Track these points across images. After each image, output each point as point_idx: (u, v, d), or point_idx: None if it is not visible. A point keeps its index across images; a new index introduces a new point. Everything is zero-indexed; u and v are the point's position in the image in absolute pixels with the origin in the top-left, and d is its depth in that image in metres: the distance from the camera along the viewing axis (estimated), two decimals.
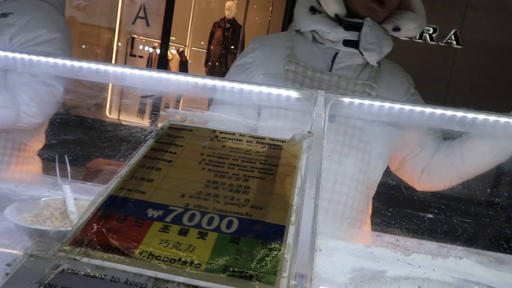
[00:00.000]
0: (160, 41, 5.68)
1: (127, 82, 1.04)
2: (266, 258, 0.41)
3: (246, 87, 0.90)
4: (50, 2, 1.48)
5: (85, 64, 0.96)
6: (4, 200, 1.01)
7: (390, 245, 1.06)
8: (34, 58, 1.02)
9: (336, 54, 1.19)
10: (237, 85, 0.87)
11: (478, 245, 1.09)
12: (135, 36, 6.31)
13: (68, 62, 0.98)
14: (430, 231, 1.10)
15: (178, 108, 0.72)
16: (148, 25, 6.23)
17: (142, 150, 0.58)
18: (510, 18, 4.44)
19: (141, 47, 6.40)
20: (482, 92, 4.56)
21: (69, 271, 0.37)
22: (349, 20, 1.13)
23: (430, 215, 1.10)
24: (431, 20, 4.62)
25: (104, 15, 6.56)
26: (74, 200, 0.94)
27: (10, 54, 0.97)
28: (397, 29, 1.16)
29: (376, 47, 1.13)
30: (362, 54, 1.14)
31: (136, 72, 0.94)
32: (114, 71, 0.96)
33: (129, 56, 6.30)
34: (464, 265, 1.03)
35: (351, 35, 1.14)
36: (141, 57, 6.28)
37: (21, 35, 1.35)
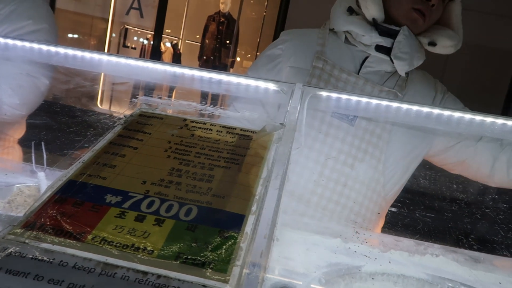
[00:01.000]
0: (153, 33, 5.65)
1: (120, 72, 1.03)
2: (221, 247, 0.41)
3: (224, 78, 0.89)
4: None
5: (70, 51, 0.95)
6: None
7: (368, 242, 1.06)
8: (18, 43, 1.00)
9: (366, 58, 1.17)
10: (215, 76, 0.86)
11: (455, 244, 1.09)
12: (129, 27, 6.27)
13: (53, 49, 0.97)
14: (409, 229, 1.10)
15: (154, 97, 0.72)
16: (142, 16, 6.18)
17: (109, 136, 0.57)
18: (501, 20, 4.46)
19: (134, 38, 6.35)
20: (474, 94, 4.58)
21: (16, 254, 0.37)
22: (386, 26, 1.12)
23: (409, 213, 1.10)
24: None
25: (97, 5, 6.50)
26: None
27: None
28: (432, 43, 1.15)
29: (408, 57, 1.11)
30: (393, 62, 1.13)
31: (121, 60, 0.93)
32: (101, 60, 0.95)
33: (122, 47, 6.26)
34: (440, 263, 1.03)
35: (384, 41, 1.12)
36: (134, 48, 6.24)
37: (6, 25, 1.33)
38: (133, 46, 6.24)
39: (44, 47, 0.86)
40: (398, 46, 1.10)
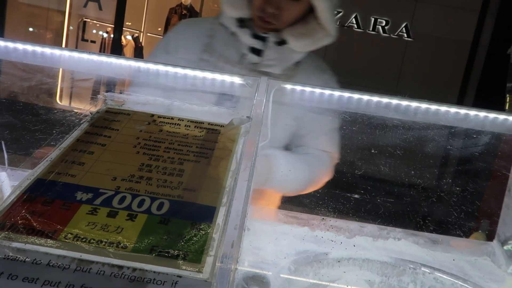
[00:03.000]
0: (113, 25, 5.50)
1: (72, 66, 1.01)
2: (194, 238, 0.42)
3: (192, 73, 0.89)
4: None
5: (29, 47, 0.92)
6: None
7: (334, 229, 1.10)
8: None
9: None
10: (181, 70, 0.86)
11: (415, 227, 1.15)
12: (87, 20, 6.07)
13: (10, 44, 0.94)
14: (372, 215, 1.15)
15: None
16: (100, 8, 6.00)
17: (76, 133, 0.57)
18: (458, 13, 4.65)
19: (94, 31, 6.16)
20: (431, 83, 4.76)
21: None
22: (255, 30, 1.17)
23: (371, 199, 1.15)
24: (384, 13, 4.75)
25: None
26: (12, 188, 0.91)
27: None
28: (283, 42, 1.19)
29: (276, 63, 1.18)
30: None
31: (79, 55, 0.91)
32: (56, 54, 0.93)
33: (81, 41, 6.07)
34: (402, 246, 1.09)
35: (257, 44, 1.18)
36: (94, 42, 6.06)
37: None
38: (93, 39, 6.06)
39: (1, 43, 0.83)
40: (266, 53, 1.18)
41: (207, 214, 0.46)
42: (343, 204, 1.10)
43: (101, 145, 0.55)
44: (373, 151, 0.96)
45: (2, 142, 1.03)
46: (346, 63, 4.82)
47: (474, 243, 1.14)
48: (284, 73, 1.22)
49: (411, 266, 0.98)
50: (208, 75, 0.86)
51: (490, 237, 1.13)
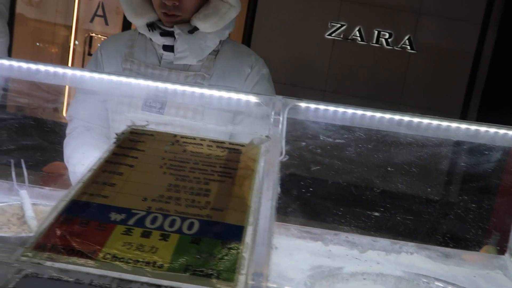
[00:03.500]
0: None
1: (84, 84, 1.04)
2: (225, 257, 0.44)
3: (207, 91, 0.91)
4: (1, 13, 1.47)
5: (41, 67, 0.95)
6: None
7: (347, 243, 1.11)
8: None
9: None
10: (191, 89, 0.88)
11: (428, 241, 1.16)
12: (93, 35, 6.14)
13: (24, 65, 0.97)
14: (384, 229, 1.16)
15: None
16: (106, 23, 6.08)
17: (104, 155, 0.59)
18: (460, 25, 4.69)
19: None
20: (434, 94, 4.78)
21: (33, 275, 0.38)
22: (161, 28, 1.23)
23: (383, 213, 1.16)
24: (387, 26, 4.80)
25: (59, 12, 6.34)
26: (32, 205, 0.93)
27: None
28: (195, 29, 1.23)
29: (188, 53, 1.22)
30: None
31: (93, 75, 0.94)
32: (69, 74, 0.96)
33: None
34: (415, 260, 1.09)
35: (167, 41, 1.23)
36: None
37: None
38: None
39: (25, 65, 0.86)
40: (176, 47, 1.22)
41: (236, 233, 0.47)
42: (355, 219, 1.11)
43: (129, 166, 0.57)
44: (385, 167, 0.98)
45: (22, 161, 1.05)
46: (350, 76, 4.85)
47: (486, 256, 1.15)
48: (202, 63, 1.25)
49: (425, 280, 0.99)
50: (223, 93, 0.88)
51: (501, 250, 1.14)
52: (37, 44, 6.40)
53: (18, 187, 1.00)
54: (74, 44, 6.04)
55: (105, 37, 6.15)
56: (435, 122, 0.88)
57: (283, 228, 1.09)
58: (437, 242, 1.16)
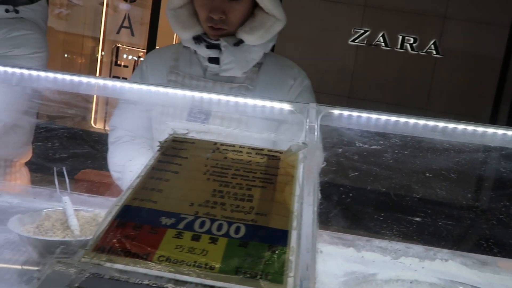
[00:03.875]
0: (145, 50, 5.70)
1: (110, 93, 1.07)
2: (273, 260, 0.45)
3: (238, 100, 0.93)
4: (36, 21, 1.52)
5: (67, 77, 0.99)
6: (1, 213, 1.03)
7: (379, 249, 1.11)
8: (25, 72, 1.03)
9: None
10: (225, 98, 0.91)
11: (463, 248, 1.14)
12: (120, 45, 6.31)
13: (59, 76, 1.01)
14: (418, 235, 1.15)
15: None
16: (133, 34, 6.24)
17: (150, 162, 0.61)
18: (486, 28, 4.61)
19: (125, 56, 6.39)
20: (462, 100, 4.70)
21: (95, 275, 0.41)
22: (207, 40, 1.26)
23: (417, 219, 1.15)
24: (411, 31, 4.76)
25: (87, 24, 6.54)
26: (74, 211, 0.96)
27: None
28: (240, 41, 1.25)
29: (234, 65, 1.24)
30: None
31: (117, 84, 0.98)
32: (97, 83, 0.99)
33: (114, 66, 6.30)
34: (450, 267, 1.08)
35: (213, 53, 1.26)
36: (126, 66, 6.28)
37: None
38: (125, 64, 6.28)
39: (68, 77, 0.90)
40: (222, 59, 1.24)
41: (281, 237, 0.49)
42: (388, 225, 1.11)
43: (174, 172, 0.60)
44: (422, 173, 0.98)
45: (64, 168, 1.10)
46: (374, 82, 4.82)
47: None
48: (246, 75, 1.28)
49: (461, 287, 0.98)
50: (259, 102, 0.91)
51: None
52: (65, 55, 6.62)
53: (60, 194, 1.04)
54: (101, 54, 6.21)
55: (131, 48, 6.31)
56: (470, 128, 0.88)
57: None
58: (473, 248, 1.14)
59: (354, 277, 0.97)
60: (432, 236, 1.12)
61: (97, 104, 5.58)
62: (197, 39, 1.26)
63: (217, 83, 1.27)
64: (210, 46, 1.25)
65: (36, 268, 0.43)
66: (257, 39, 1.25)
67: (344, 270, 1.00)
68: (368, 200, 1.26)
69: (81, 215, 0.96)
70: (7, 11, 1.43)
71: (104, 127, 5.56)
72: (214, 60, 1.26)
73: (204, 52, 1.26)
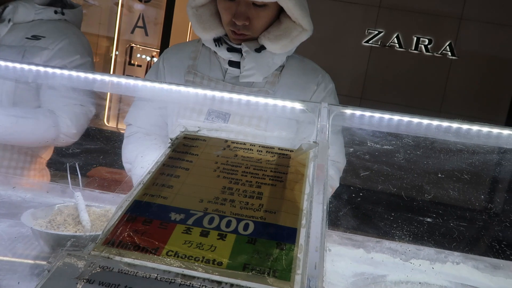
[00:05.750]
0: (158, 50, 5.74)
1: (145, 94, 1.08)
2: (281, 257, 0.45)
3: (253, 99, 0.94)
4: (75, 24, 1.60)
5: (82, 74, 1.01)
6: (14, 207, 1.05)
7: (389, 251, 1.10)
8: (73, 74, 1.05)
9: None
10: (241, 96, 0.91)
11: (475, 251, 1.13)
12: (134, 45, 6.37)
13: (91, 76, 1.02)
14: (429, 237, 1.14)
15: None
16: (146, 34, 6.30)
17: (161, 158, 0.62)
18: (502, 29, 4.53)
19: (139, 56, 6.45)
20: (477, 102, 4.63)
21: (104, 268, 0.41)
22: (229, 44, 1.23)
23: (428, 220, 1.14)
24: (426, 32, 4.71)
25: (102, 24, 6.62)
26: (85, 207, 0.98)
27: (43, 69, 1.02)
28: (262, 48, 1.22)
29: (255, 71, 1.21)
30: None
31: (131, 82, 0.99)
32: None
33: (128, 65, 6.36)
34: (461, 270, 1.07)
35: (234, 57, 1.23)
36: (140, 66, 6.33)
37: (57, 60, 1.47)
38: (139, 63, 6.34)
39: (107, 78, 0.92)
40: (242, 64, 1.22)
41: (290, 235, 0.49)
42: (399, 226, 1.10)
43: (185, 169, 0.60)
44: (434, 174, 0.97)
45: (76, 164, 1.11)
46: (387, 83, 4.78)
47: None
48: (267, 80, 1.25)
49: None
50: (271, 101, 0.91)
51: None
52: None
53: (73, 190, 1.05)
54: (115, 54, 6.27)
55: (145, 48, 6.36)
56: (484, 129, 0.87)
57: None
58: (486, 252, 1.12)
59: (363, 278, 0.96)
60: (443, 238, 1.10)
61: (110, 101, 5.64)
62: (218, 40, 1.24)
63: (236, 87, 1.24)
64: (231, 49, 1.23)
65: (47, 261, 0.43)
66: (280, 48, 1.22)
67: (353, 271, 0.99)
68: (378, 201, 1.24)
69: (92, 210, 0.98)
70: (55, 12, 1.56)
71: (117, 125, 5.62)
72: (235, 64, 1.24)
73: (224, 54, 1.24)
